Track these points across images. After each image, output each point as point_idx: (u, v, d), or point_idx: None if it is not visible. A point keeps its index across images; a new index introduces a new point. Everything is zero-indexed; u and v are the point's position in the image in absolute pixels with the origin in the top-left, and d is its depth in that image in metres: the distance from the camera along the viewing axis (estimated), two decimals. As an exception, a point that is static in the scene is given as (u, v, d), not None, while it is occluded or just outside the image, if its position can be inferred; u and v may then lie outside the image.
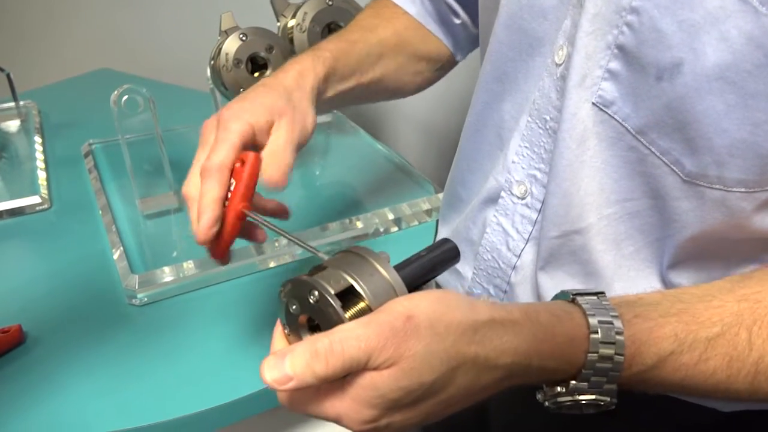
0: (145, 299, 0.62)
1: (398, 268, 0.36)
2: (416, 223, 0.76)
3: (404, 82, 0.64)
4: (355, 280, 0.33)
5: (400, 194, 0.80)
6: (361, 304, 0.33)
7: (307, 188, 0.86)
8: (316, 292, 0.32)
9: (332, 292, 0.32)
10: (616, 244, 0.43)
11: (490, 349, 0.32)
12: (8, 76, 0.97)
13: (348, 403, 0.32)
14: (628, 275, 0.43)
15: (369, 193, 0.83)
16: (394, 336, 0.30)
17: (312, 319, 0.35)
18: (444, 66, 0.68)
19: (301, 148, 0.49)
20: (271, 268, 0.68)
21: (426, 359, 0.31)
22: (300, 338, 0.35)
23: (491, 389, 0.34)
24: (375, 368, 0.31)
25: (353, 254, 0.35)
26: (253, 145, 0.46)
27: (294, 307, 0.34)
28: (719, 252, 0.41)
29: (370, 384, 0.31)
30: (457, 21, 0.64)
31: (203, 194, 0.43)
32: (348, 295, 0.33)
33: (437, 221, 0.66)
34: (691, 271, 0.42)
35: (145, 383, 0.53)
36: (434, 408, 0.32)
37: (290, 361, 0.30)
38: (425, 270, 0.37)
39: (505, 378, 0.33)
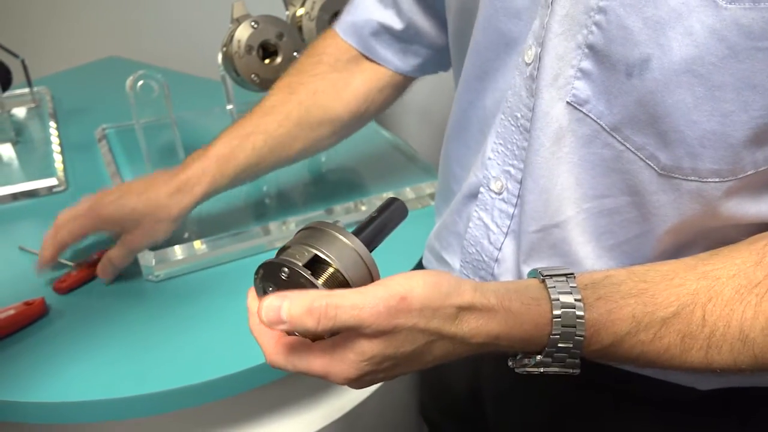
0: (161, 276, 0.65)
1: (356, 232, 0.39)
2: (419, 206, 0.78)
3: (316, 147, 0.69)
4: (318, 249, 0.36)
5: (404, 178, 0.82)
6: (330, 269, 0.36)
7: (313, 172, 0.88)
8: (286, 269, 0.35)
9: (300, 263, 0.35)
10: (596, 236, 0.44)
11: (466, 331, 0.36)
12: (23, 62, 1.00)
13: (335, 363, 0.36)
14: (608, 265, 0.44)
15: (373, 178, 0.86)
16: (387, 312, 0.34)
17: None
18: (399, 87, 0.71)
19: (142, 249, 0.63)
20: (278, 248, 0.70)
21: (411, 335, 0.35)
22: None
23: (463, 356, 0.38)
24: (365, 335, 0.34)
25: (312, 229, 0.38)
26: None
27: (271, 288, 0.37)
28: (698, 241, 0.42)
29: (359, 349, 0.35)
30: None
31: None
32: (316, 265, 0.36)
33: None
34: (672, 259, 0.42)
35: (161, 353, 0.56)
36: (410, 369, 0.37)
37: (287, 308, 0.33)
38: (380, 230, 0.40)
39: (476, 351, 0.38)
